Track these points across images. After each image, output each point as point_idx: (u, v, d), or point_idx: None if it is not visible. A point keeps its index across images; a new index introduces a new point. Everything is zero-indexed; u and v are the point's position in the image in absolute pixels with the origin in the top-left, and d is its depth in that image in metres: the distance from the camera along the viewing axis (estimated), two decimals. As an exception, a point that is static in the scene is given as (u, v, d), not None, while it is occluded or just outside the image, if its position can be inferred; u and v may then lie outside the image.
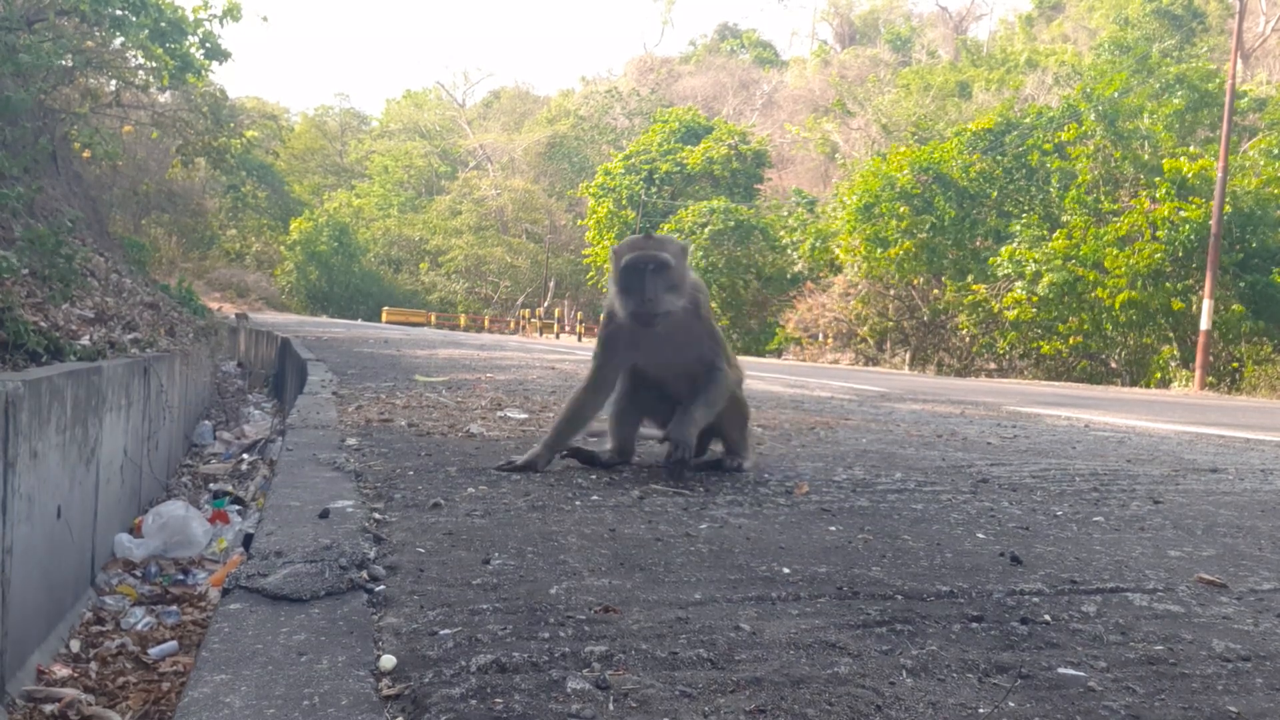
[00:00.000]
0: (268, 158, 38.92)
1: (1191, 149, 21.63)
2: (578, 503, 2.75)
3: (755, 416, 5.91)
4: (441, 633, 1.56)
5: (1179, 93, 23.00)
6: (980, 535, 2.53)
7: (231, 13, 13.05)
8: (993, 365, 23.83)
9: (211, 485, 5.77)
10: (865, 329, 26.38)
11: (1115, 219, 20.88)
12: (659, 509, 2.70)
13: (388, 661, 1.44)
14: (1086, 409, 8.77)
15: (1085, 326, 21.09)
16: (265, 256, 53.18)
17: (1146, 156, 21.50)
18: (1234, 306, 19.15)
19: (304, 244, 50.47)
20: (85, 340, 4.34)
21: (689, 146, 39.93)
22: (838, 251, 26.99)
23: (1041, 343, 21.90)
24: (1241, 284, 19.68)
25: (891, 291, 25.97)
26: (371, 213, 58.69)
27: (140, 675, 2.89)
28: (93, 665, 2.98)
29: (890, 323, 26.16)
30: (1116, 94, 21.98)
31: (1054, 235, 21.50)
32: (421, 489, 2.82)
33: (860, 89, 43.16)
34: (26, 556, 2.78)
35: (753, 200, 37.11)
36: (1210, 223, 18.76)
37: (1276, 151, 20.14)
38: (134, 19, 10.85)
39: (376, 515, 2.44)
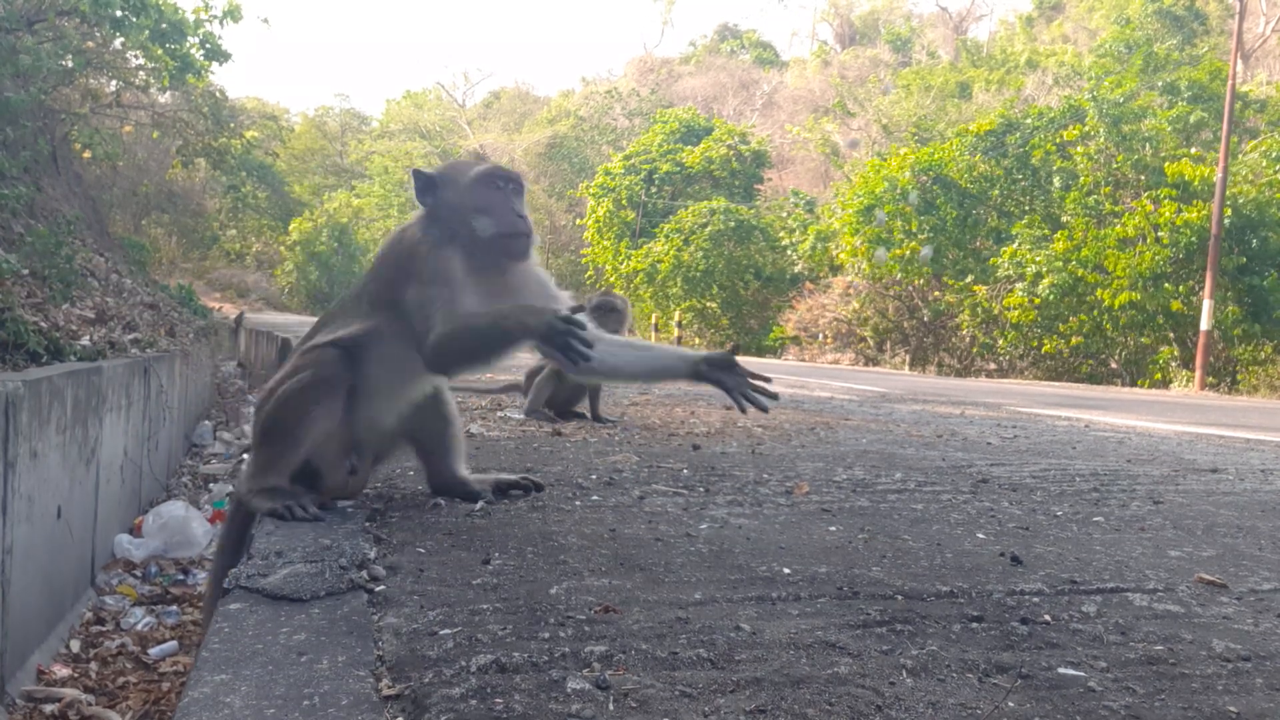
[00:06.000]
0: (268, 158, 38.90)
1: (1194, 150, 21.61)
2: (578, 503, 2.75)
3: (755, 416, 5.91)
4: (441, 633, 1.56)
5: (1186, 94, 22.97)
6: (980, 535, 2.53)
7: (232, 14, 13.06)
8: (993, 365, 23.83)
9: (211, 485, 5.77)
10: (868, 329, 26.38)
11: (1116, 220, 20.88)
12: (659, 509, 2.70)
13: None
14: (1087, 409, 8.77)
15: (1086, 328, 21.10)
16: (265, 257, 53.17)
17: (1149, 159, 21.48)
18: (1230, 309, 19.16)
19: (304, 244, 50.47)
20: (85, 340, 4.34)
21: (689, 147, 39.90)
22: (838, 253, 26.99)
23: (1044, 337, 21.90)
24: (1241, 286, 19.69)
25: (891, 292, 25.97)
26: (372, 213, 58.64)
27: (140, 675, 2.89)
28: (93, 665, 2.98)
29: (890, 323, 26.17)
30: (1122, 97, 21.94)
31: (1055, 236, 21.50)
32: (422, 489, 2.82)
33: (860, 89, 43.16)
34: (27, 557, 2.78)
35: (753, 200, 37.09)
36: (1210, 225, 18.77)
37: (1276, 154, 20.11)
38: (134, 20, 10.85)
39: (377, 515, 2.44)
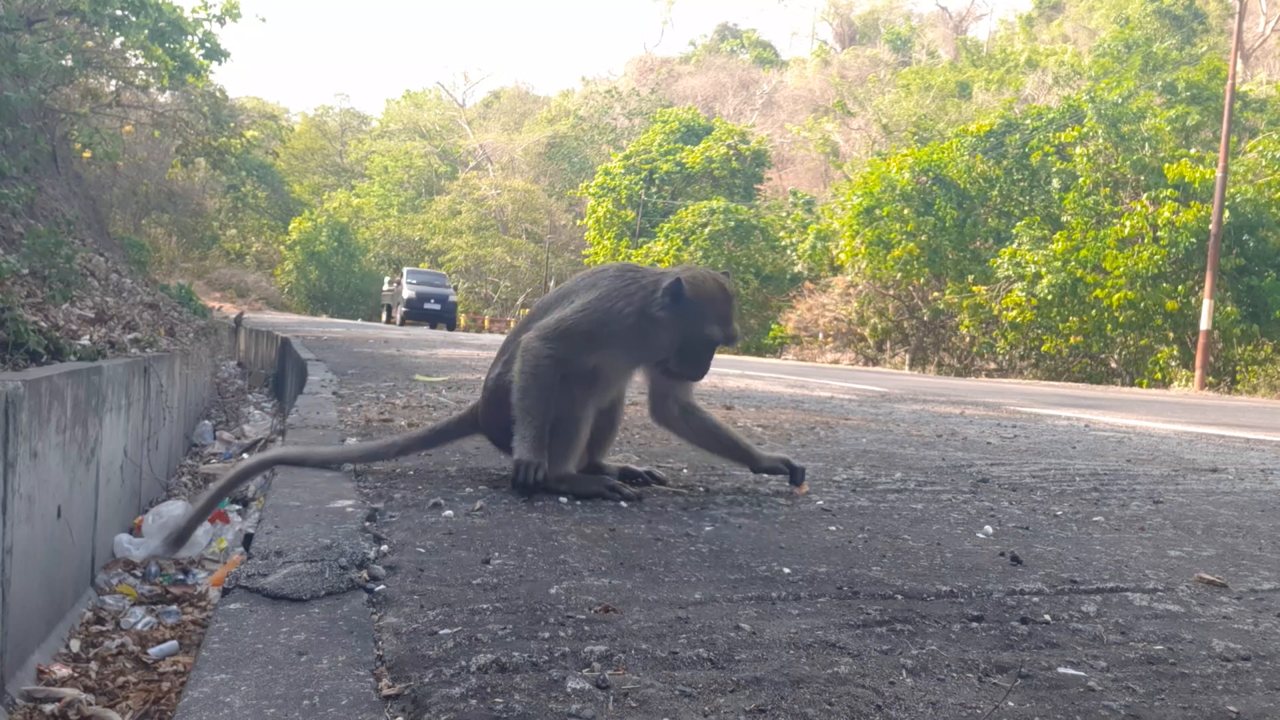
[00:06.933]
0: (268, 158, 38.93)
1: (1193, 150, 21.60)
2: (578, 502, 2.75)
3: (756, 416, 5.91)
4: (441, 632, 1.56)
5: (1185, 94, 22.95)
6: (980, 535, 2.53)
7: (230, 12, 13.07)
8: (992, 365, 23.84)
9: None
10: (868, 330, 26.37)
11: (1115, 221, 20.87)
12: (659, 508, 2.70)
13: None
14: (1086, 409, 8.77)
15: (1085, 328, 21.11)
16: (265, 256, 53.17)
17: (1148, 159, 21.46)
18: (1228, 309, 19.16)
19: (304, 244, 50.47)
20: (85, 340, 4.33)
21: (689, 146, 39.91)
22: (838, 253, 26.98)
23: (1045, 335, 21.89)
24: (1240, 286, 19.69)
25: (891, 292, 25.97)
26: (371, 213, 58.66)
27: (140, 675, 2.89)
28: (93, 665, 2.98)
29: (890, 323, 26.17)
30: (1119, 98, 21.91)
31: (1054, 237, 21.49)
32: (421, 489, 2.82)
33: (860, 89, 43.19)
34: (27, 556, 2.78)
35: (752, 200, 37.11)
36: (1209, 225, 18.77)
37: (1274, 154, 20.09)
38: (134, 19, 10.86)
39: (376, 515, 2.44)
